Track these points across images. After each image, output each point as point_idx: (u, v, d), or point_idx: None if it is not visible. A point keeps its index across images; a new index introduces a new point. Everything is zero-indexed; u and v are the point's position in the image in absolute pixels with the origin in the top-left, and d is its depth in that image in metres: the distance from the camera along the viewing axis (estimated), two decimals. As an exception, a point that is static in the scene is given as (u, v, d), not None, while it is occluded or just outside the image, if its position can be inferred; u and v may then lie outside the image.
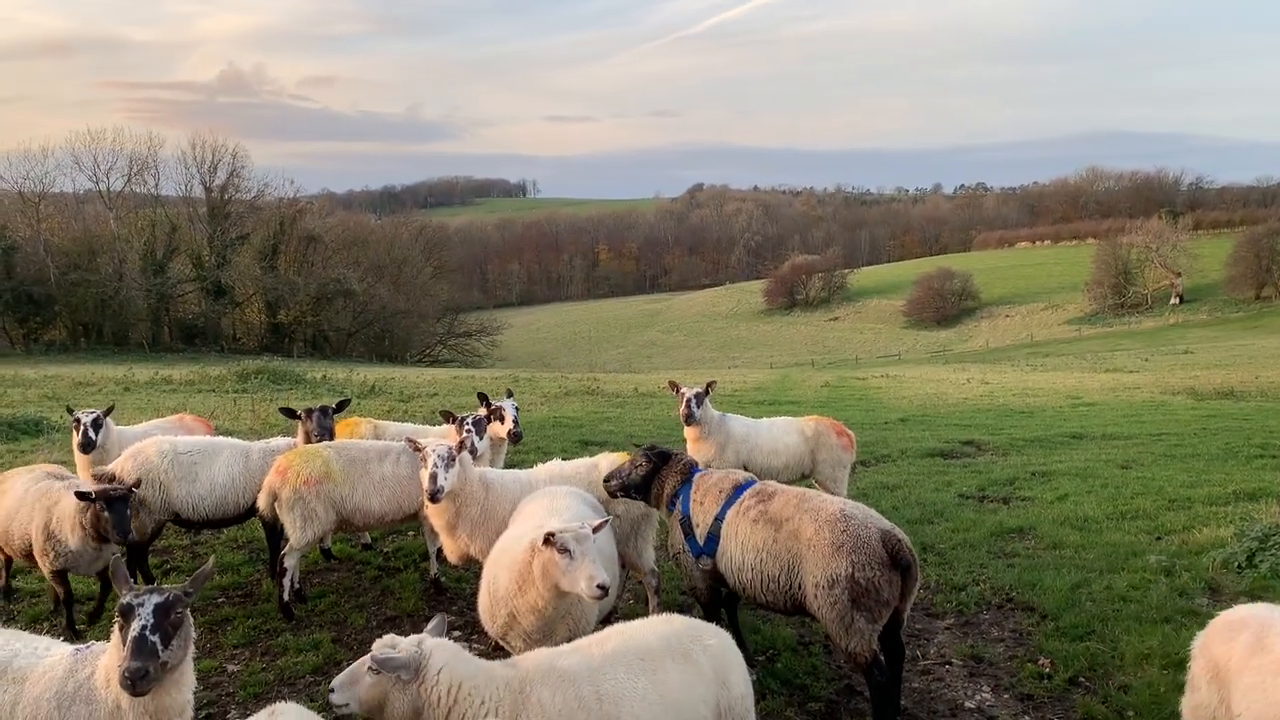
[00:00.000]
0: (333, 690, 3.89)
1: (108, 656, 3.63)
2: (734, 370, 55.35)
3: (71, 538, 6.17)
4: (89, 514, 6.07)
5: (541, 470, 6.73)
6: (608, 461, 6.71)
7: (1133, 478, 11.96)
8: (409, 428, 9.14)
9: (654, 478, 6.19)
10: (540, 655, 4.09)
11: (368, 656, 3.89)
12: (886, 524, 5.33)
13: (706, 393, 8.71)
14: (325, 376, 29.08)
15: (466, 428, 7.25)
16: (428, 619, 6.94)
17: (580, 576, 4.44)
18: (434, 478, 5.95)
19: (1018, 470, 12.70)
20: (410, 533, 9.11)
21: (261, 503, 7.00)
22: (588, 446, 14.85)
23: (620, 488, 6.24)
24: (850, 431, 9.24)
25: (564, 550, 4.50)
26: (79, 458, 8.40)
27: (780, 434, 9.02)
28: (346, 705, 3.87)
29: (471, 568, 7.30)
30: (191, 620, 3.64)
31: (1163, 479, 11.80)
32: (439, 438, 8.09)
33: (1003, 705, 5.62)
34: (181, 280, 58.37)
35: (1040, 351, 65.08)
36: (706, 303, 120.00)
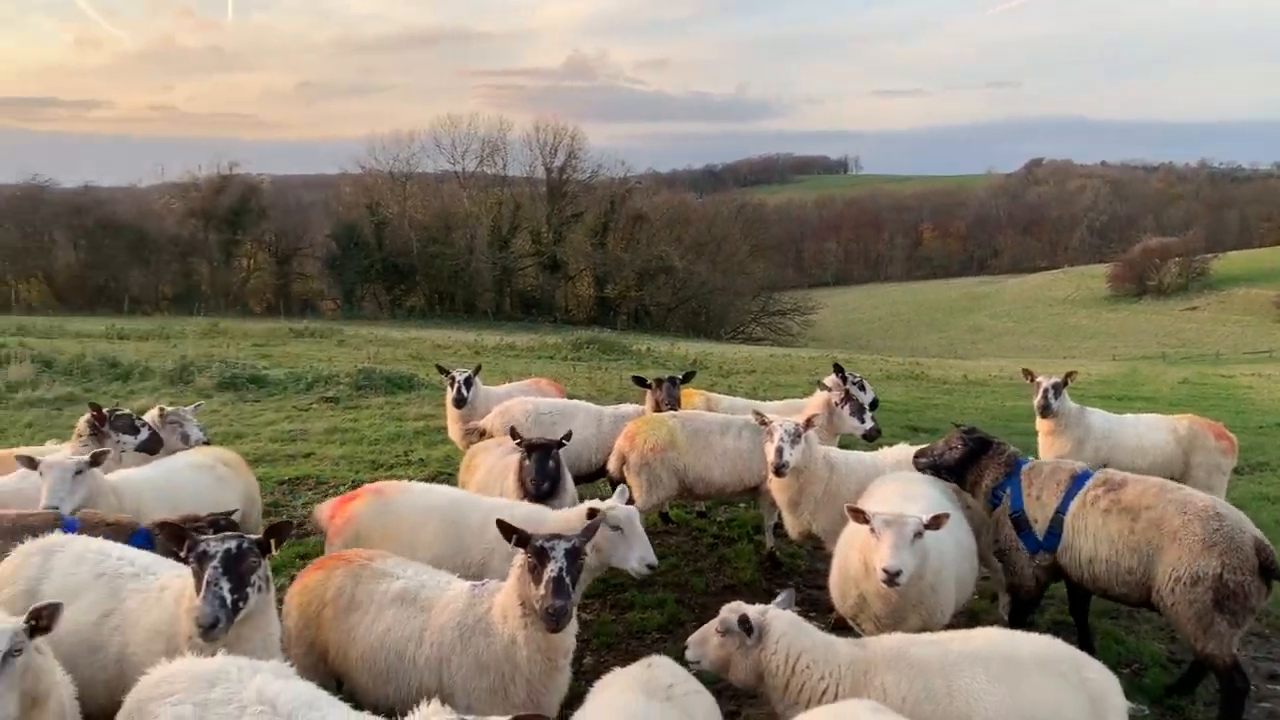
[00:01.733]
0: (687, 647, 4.18)
1: (510, 594, 3.95)
2: (1071, 361, 51.10)
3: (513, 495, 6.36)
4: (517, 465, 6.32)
5: (889, 454, 6.55)
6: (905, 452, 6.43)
7: None
8: (741, 402, 9.27)
9: (970, 463, 5.87)
10: (893, 640, 4.05)
11: (717, 619, 4.10)
12: (1258, 531, 4.98)
13: (1065, 383, 8.06)
14: (649, 349, 30.45)
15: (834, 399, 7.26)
16: (765, 591, 7.09)
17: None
18: (779, 452, 5.98)
19: None
20: (743, 505, 9.25)
21: (611, 465, 7.40)
22: (916, 433, 14.35)
23: (930, 466, 5.97)
24: (1231, 435, 8.20)
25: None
26: (451, 412, 9.30)
27: (1147, 432, 8.16)
28: (699, 661, 4.13)
29: (805, 545, 7.29)
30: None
31: None
32: (777, 414, 8.14)
33: None
34: (522, 255, 63.30)
35: None
36: (1041, 286, 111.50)
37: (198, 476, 6.31)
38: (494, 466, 6.88)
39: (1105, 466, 8.05)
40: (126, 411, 7.09)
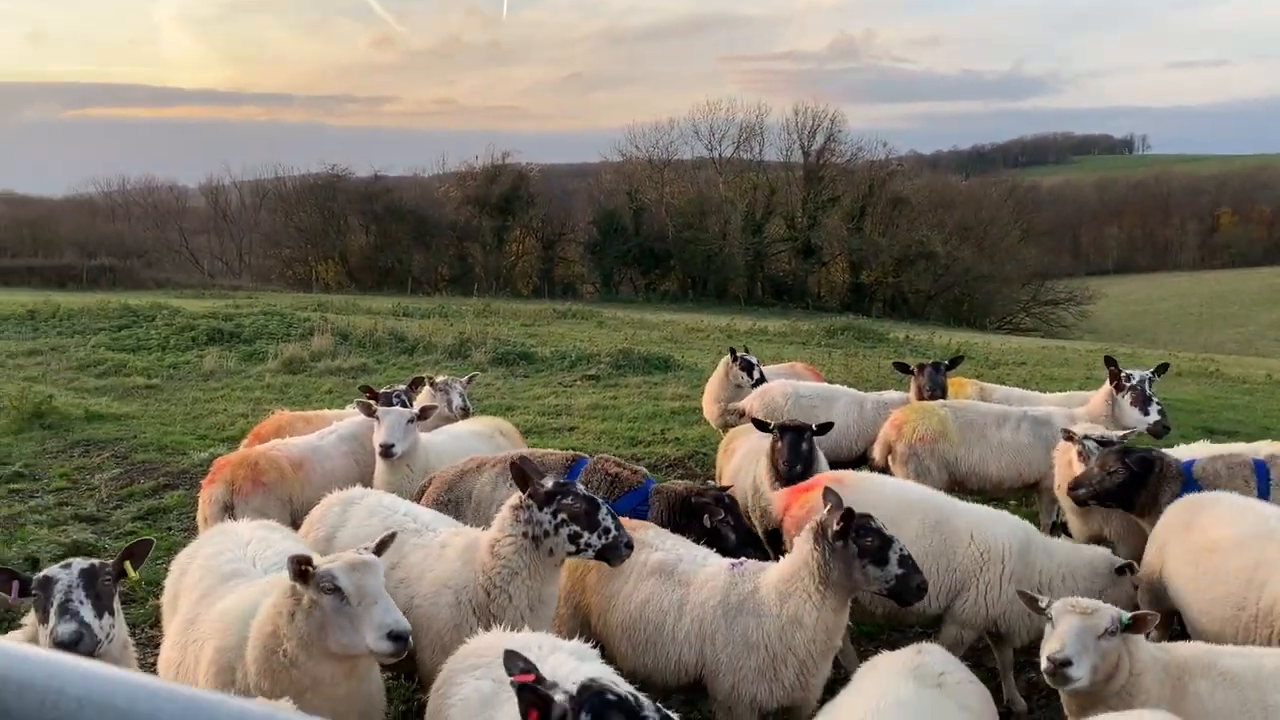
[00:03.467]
0: (1059, 648, 3.77)
1: (799, 574, 3.92)
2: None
3: (766, 482, 6.43)
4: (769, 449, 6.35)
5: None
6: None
7: None
8: (1018, 392, 8.71)
9: (1138, 486, 5.32)
10: (1197, 649, 3.87)
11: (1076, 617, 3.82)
12: None
13: None
14: (908, 337, 29.36)
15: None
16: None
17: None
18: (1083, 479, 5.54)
19: None
20: (1012, 501, 8.70)
21: (876, 453, 7.18)
22: (1212, 435, 12.90)
23: (1092, 495, 5.40)
24: None
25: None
26: (716, 389, 9.47)
27: None
28: (1069, 663, 3.72)
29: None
30: None
31: None
32: (1055, 405, 7.58)
33: None
34: (776, 240, 62.97)
35: None
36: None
37: (479, 444, 6.77)
38: (752, 449, 6.89)
39: None
40: (400, 388, 7.80)
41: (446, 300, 38.34)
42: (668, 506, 5.16)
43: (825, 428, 6.23)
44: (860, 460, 7.83)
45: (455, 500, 5.67)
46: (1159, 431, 6.73)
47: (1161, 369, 7.27)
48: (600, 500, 4.06)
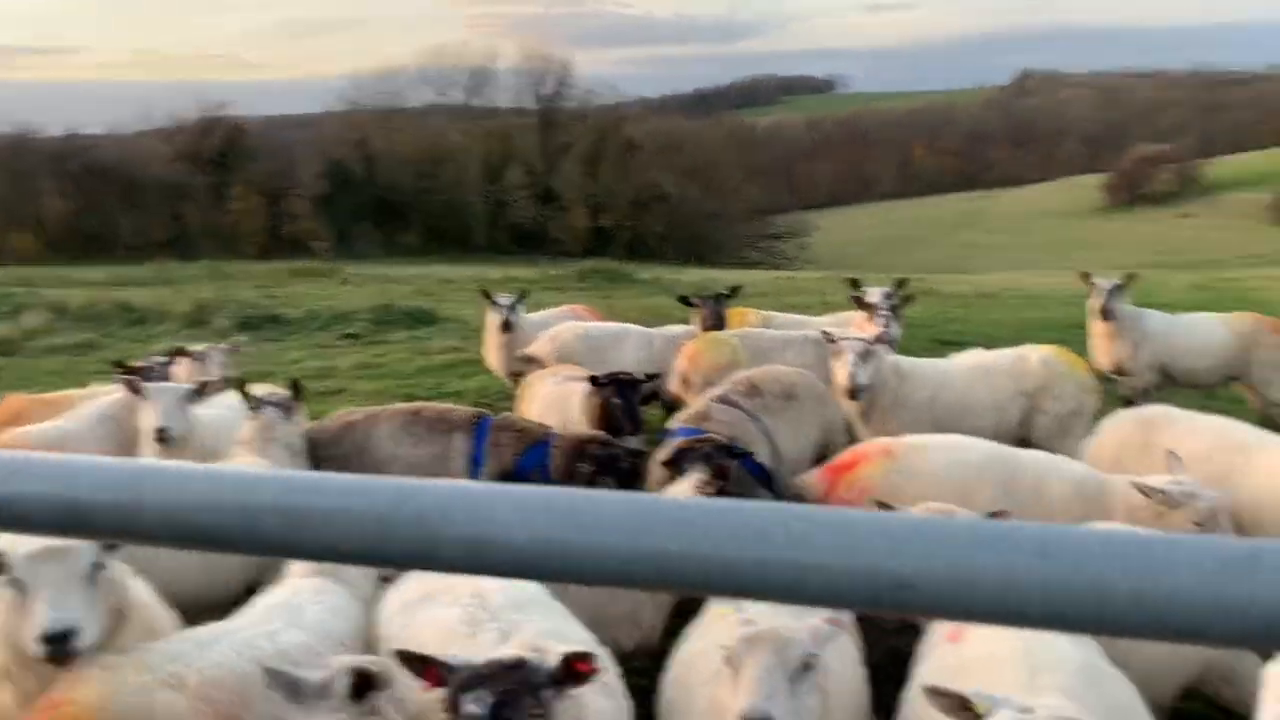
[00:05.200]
0: None
1: None
2: (1067, 273, 51.02)
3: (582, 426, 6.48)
4: (597, 403, 6.25)
5: (961, 359, 6.45)
6: (1037, 355, 6.28)
7: None
8: (796, 318, 9.14)
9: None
10: None
11: None
12: None
13: (1124, 285, 7.91)
14: (656, 278, 30.16)
15: (881, 314, 7.07)
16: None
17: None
18: (852, 376, 5.89)
19: None
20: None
21: (673, 385, 7.29)
22: (945, 346, 14.25)
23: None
24: (1288, 329, 8.09)
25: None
26: (493, 339, 9.16)
27: (1204, 331, 8.07)
28: None
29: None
30: None
31: None
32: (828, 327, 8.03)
33: None
34: (515, 187, 62.49)
35: None
36: (1034, 200, 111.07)
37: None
38: (550, 394, 6.81)
39: (1162, 368, 8.01)
40: (160, 359, 7.01)
41: (167, 265, 35.09)
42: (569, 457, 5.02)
43: (653, 377, 6.33)
44: (653, 394, 7.94)
45: (343, 455, 5.22)
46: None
47: (900, 284, 7.97)
48: None
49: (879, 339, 6.12)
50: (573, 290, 25.56)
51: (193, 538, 0.73)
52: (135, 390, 5.41)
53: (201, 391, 5.54)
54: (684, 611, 4.05)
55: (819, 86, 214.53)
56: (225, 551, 0.76)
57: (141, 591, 3.41)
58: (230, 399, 6.58)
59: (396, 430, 5.38)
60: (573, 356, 7.70)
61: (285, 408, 5.24)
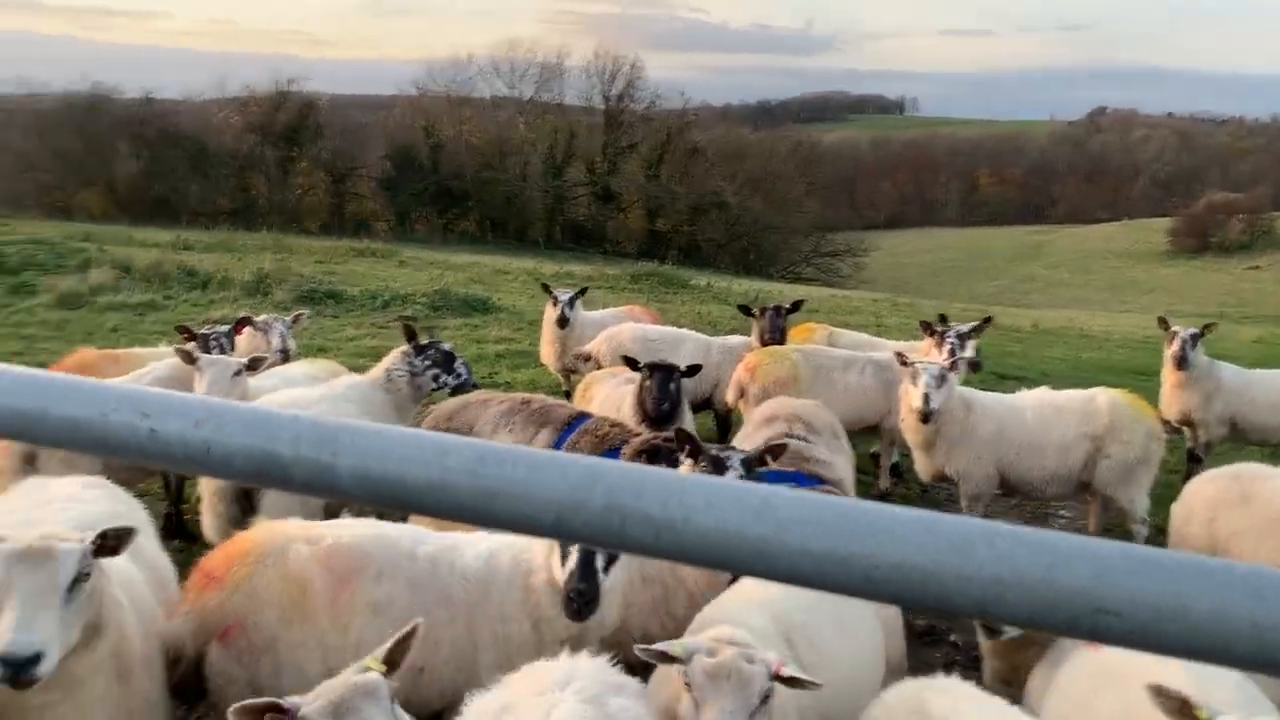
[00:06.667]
0: None
1: None
2: (1126, 315, 49.99)
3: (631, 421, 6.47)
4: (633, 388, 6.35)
5: (1028, 396, 6.35)
6: (1106, 398, 6.17)
7: None
8: (864, 338, 9.07)
9: None
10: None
11: None
12: None
13: (1203, 334, 7.74)
14: (709, 284, 30.11)
15: (950, 340, 6.99)
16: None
17: None
18: (926, 398, 5.81)
19: None
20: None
21: (730, 396, 7.28)
22: (1003, 380, 14.05)
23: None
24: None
25: None
26: (549, 333, 9.20)
27: (1280, 387, 7.88)
28: None
29: (916, 486, 7.16)
30: None
31: None
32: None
33: None
34: (576, 184, 62.79)
35: None
36: (1099, 239, 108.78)
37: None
38: (610, 395, 6.83)
39: (1233, 422, 7.82)
40: (222, 329, 7.08)
41: (231, 234, 35.74)
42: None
43: (694, 369, 6.27)
44: (706, 403, 7.93)
45: (455, 432, 5.32)
46: (975, 366, 7.35)
47: (985, 321, 7.88)
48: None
49: (952, 366, 6.06)
50: (626, 291, 25.59)
51: (384, 497, 0.75)
52: (190, 359, 5.49)
53: (254, 366, 5.59)
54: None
55: (888, 107, 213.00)
56: (416, 513, 0.78)
57: (134, 583, 3.29)
58: (294, 371, 6.68)
59: (500, 416, 5.53)
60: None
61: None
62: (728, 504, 0.67)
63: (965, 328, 7.38)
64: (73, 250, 18.15)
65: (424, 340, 6.41)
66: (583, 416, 5.53)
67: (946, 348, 6.94)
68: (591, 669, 2.77)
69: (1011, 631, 3.35)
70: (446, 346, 6.31)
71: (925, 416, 5.83)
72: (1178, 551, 0.64)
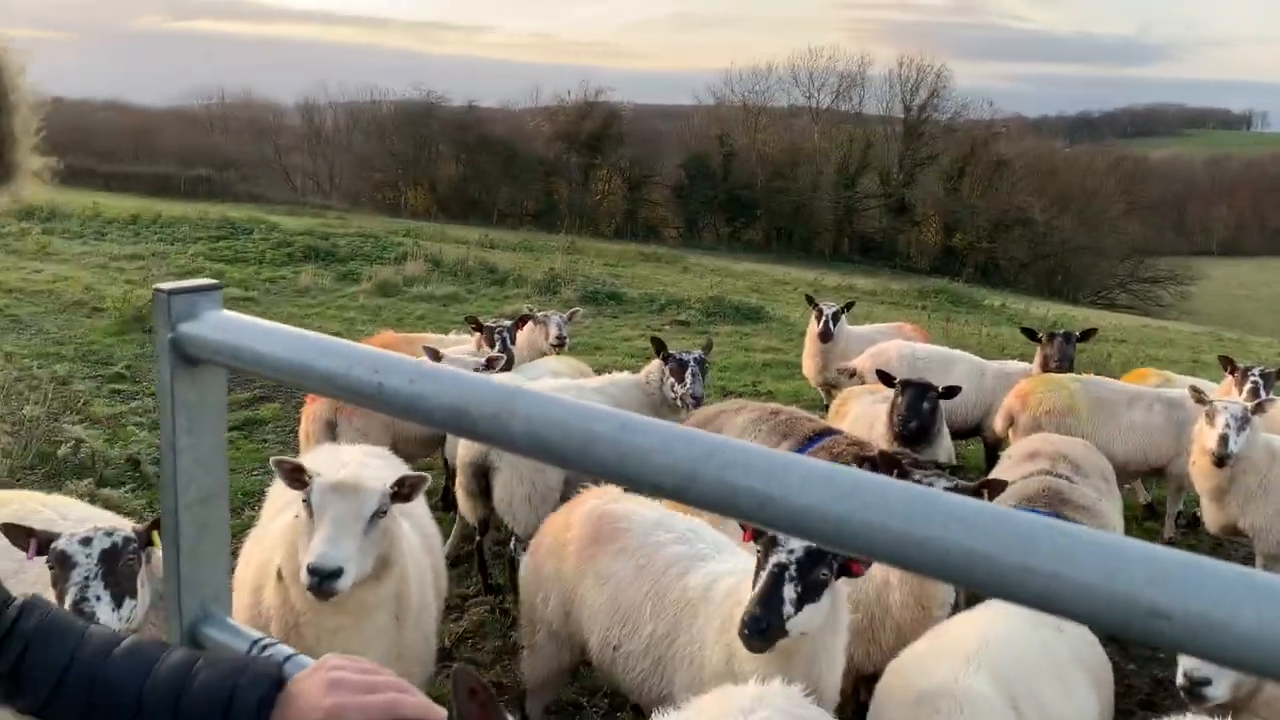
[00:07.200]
0: None
1: None
2: None
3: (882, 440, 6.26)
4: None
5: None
6: None
7: None
8: (1211, 387, 8.26)
9: None
10: None
11: None
12: None
13: None
14: (1004, 305, 28.59)
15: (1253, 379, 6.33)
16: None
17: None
18: (1224, 440, 5.27)
19: None
20: (1126, 487, 8.39)
21: (998, 424, 6.95)
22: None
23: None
24: None
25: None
26: (812, 346, 9.20)
27: None
28: None
29: (1207, 539, 6.49)
30: None
31: None
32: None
33: None
34: (868, 195, 61.70)
35: None
36: None
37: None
38: (864, 412, 6.72)
39: None
40: (506, 323, 7.62)
41: (531, 235, 38.51)
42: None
43: (952, 391, 6.04)
44: (975, 430, 7.62)
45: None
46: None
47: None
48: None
49: (1257, 408, 5.46)
50: (911, 308, 24.89)
51: (544, 453, 0.92)
52: (436, 356, 6.02)
53: (490, 366, 5.91)
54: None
55: (1232, 121, 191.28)
56: (566, 469, 0.95)
57: (412, 543, 3.65)
58: (540, 367, 7.16)
59: (748, 424, 5.67)
60: (895, 374, 7.57)
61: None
62: (818, 484, 0.77)
63: (1272, 369, 6.59)
64: (393, 244, 20.45)
65: (703, 346, 6.69)
66: (829, 432, 5.51)
67: (1248, 387, 6.25)
68: (779, 698, 2.74)
69: (1217, 695, 3.03)
70: (688, 356, 6.29)
71: (1220, 460, 5.27)
72: (1234, 565, 0.66)
